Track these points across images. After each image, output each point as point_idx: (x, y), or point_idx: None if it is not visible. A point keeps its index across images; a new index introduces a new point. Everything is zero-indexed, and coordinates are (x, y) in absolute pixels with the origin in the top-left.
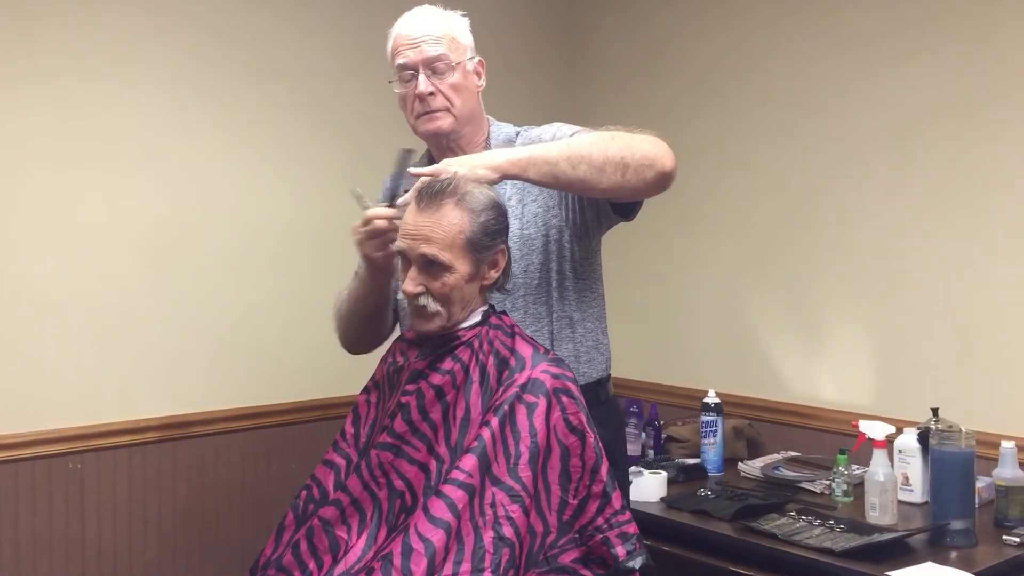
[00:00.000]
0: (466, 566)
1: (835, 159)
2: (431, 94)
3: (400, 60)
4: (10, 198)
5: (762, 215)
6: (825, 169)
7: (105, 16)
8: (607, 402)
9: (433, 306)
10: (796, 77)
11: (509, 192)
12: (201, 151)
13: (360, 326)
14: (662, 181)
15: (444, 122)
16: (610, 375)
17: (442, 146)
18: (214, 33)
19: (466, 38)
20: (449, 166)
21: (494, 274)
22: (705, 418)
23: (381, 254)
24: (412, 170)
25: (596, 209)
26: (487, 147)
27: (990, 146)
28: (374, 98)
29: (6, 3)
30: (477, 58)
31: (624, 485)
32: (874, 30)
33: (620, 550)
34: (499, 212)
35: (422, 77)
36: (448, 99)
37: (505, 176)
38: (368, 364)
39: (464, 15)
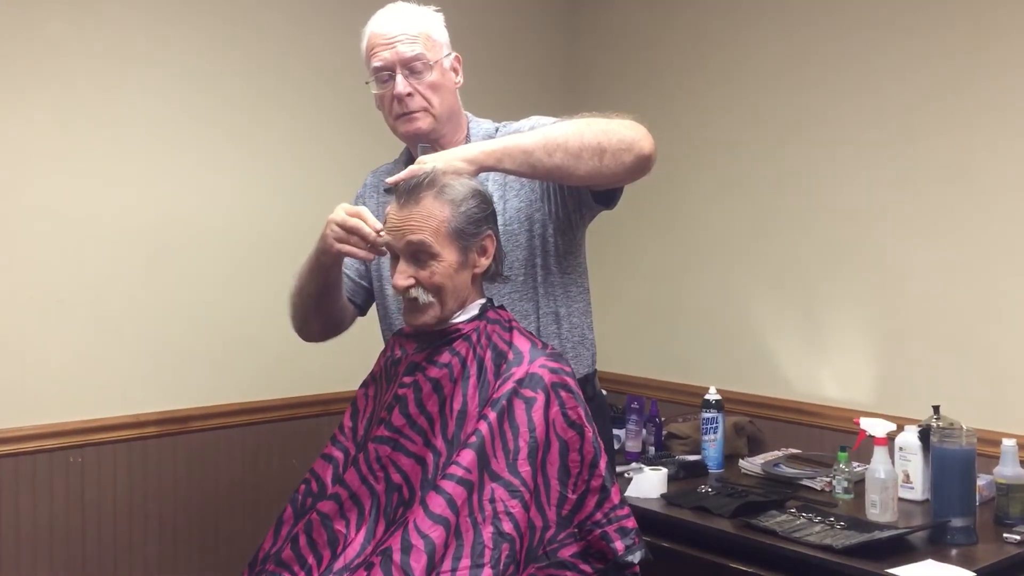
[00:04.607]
0: (466, 562)
1: (838, 159)
2: (409, 95)
3: (376, 62)
4: (11, 195)
5: (765, 212)
6: (828, 168)
7: (106, 14)
8: (594, 398)
9: (425, 297)
10: (799, 78)
11: (491, 188)
12: (200, 149)
13: (303, 303)
14: (641, 165)
15: (423, 123)
16: (596, 371)
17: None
18: (215, 32)
19: (442, 35)
20: (425, 163)
21: (485, 261)
22: (706, 415)
23: (336, 248)
24: (389, 179)
25: (577, 198)
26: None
27: (992, 148)
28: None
29: (7, 2)
30: (453, 54)
31: None
32: (880, 36)
33: (619, 544)
34: (481, 200)
35: (399, 78)
36: (426, 99)
37: (482, 168)
38: (368, 360)
39: (438, 10)
